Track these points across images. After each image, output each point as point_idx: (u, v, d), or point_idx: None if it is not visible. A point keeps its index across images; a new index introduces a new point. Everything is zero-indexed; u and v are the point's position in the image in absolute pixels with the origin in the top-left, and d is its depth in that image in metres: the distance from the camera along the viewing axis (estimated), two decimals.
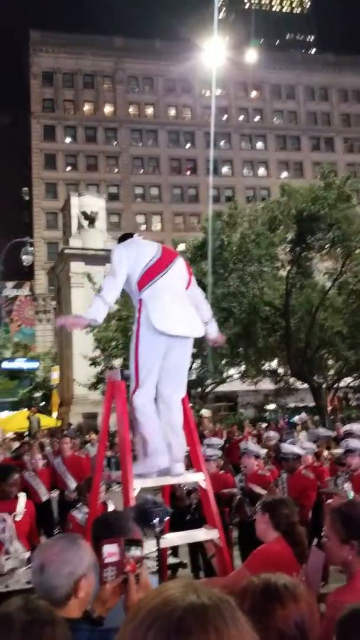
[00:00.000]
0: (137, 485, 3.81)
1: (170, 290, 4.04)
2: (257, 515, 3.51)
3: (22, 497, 5.56)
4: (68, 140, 57.79)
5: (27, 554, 5.10)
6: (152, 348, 3.95)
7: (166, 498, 4.77)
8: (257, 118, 63.01)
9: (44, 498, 9.23)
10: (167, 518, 2.64)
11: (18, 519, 5.31)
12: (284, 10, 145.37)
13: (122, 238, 4.44)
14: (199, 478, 4.13)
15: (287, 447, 7.43)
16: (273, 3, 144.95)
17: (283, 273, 23.32)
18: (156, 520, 2.54)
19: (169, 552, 5.16)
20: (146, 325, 3.91)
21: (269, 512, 3.38)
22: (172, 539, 4.23)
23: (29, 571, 4.79)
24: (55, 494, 9.55)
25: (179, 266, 4.20)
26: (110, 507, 5.91)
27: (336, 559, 2.66)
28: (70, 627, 1.91)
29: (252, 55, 61.60)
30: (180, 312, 4.03)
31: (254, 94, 63.46)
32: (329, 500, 6.07)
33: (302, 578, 2.78)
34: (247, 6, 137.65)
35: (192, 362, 22.60)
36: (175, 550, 6.30)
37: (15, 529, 5.22)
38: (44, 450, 11.84)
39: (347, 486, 6.14)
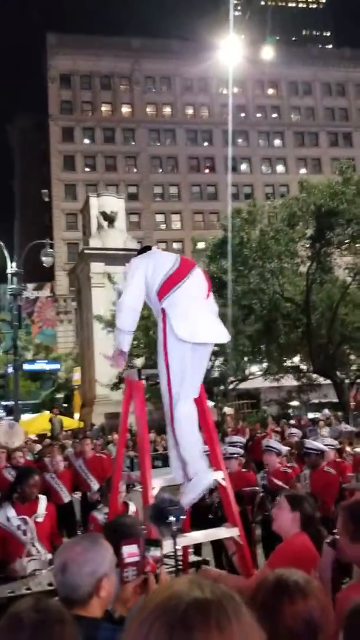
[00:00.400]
0: (156, 485, 3.79)
1: (191, 298, 4.00)
2: (276, 508, 3.47)
3: (43, 499, 5.59)
4: (86, 141, 58.11)
5: (49, 556, 5.12)
6: (181, 357, 3.90)
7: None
8: (274, 115, 62.71)
9: (66, 500, 9.26)
10: (183, 517, 2.62)
11: (39, 520, 5.34)
12: (299, 6, 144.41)
13: (141, 251, 4.43)
14: (219, 476, 4.10)
15: (310, 443, 7.39)
16: None
17: (303, 269, 23.19)
18: (172, 519, 2.53)
19: (191, 550, 5.14)
20: (172, 334, 3.87)
21: (292, 506, 3.36)
22: (193, 537, 4.22)
23: (50, 573, 4.82)
24: (77, 495, 9.58)
25: (198, 275, 4.15)
26: (132, 507, 5.90)
27: (347, 556, 2.68)
28: (93, 626, 1.93)
29: (268, 52, 61.20)
30: (202, 319, 3.99)
31: (270, 91, 63.17)
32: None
33: (316, 575, 2.76)
34: (262, 3, 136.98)
35: (214, 360, 22.58)
36: (198, 548, 6.28)
37: (37, 531, 5.26)
38: (64, 451, 11.90)
39: None
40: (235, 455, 7.33)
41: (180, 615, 0.87)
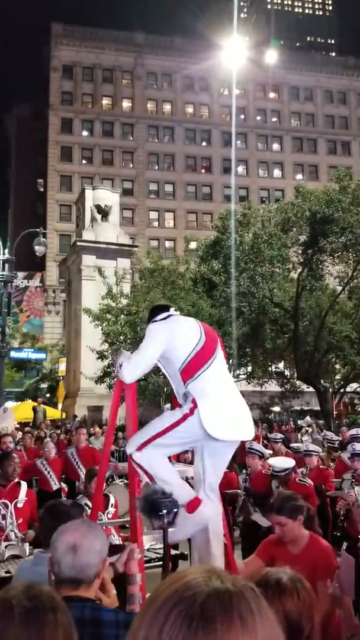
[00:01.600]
0: (143, 478, 3.80)
1: (221, 383, 3.60)
2: (280, 520, 3.54)
3: (24, 485, 5.57)
4: (85, 133, 57.88)
5: (27, 545, 5.12)
6: (191, 438, 3.52)
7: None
8: (274, 119, 62.82)
9: (55, 487, 9.30)
10: (175, 510, 2.62)
11: (19, 506, 5.32)
12: (306, 11, 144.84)
13: (157, 310, 3.89)
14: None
15: (279, 462, 7.30)
16: (295, 4, 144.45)
17: (294, 275, 23.30)
18: (164, 511, 2.52)
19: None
20: (198, 423, 3.39)
21: (300, 514, 3.51)
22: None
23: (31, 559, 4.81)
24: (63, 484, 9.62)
25: (220, 346, 3.75)
26: (112, 499, 5.94)
27: None
28: (93, 607, 1.94)
29: (272, 56, 61.38)
30: (235, 413, 3.58)
31: (272, 94, 63.26)
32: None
33: (335, 584, 2.80)
34: (268, 6, 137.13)
35: None
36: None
37: (16, 517, 5.24)
38: (42, 441, 11.90)
39: (358, 489, 6.13)
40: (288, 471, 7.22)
41: (200, 605, 0.81)
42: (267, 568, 1.97)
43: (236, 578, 0.89)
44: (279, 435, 10.61)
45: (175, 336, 3.54)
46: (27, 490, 5.58)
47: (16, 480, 5.67)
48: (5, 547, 5.04)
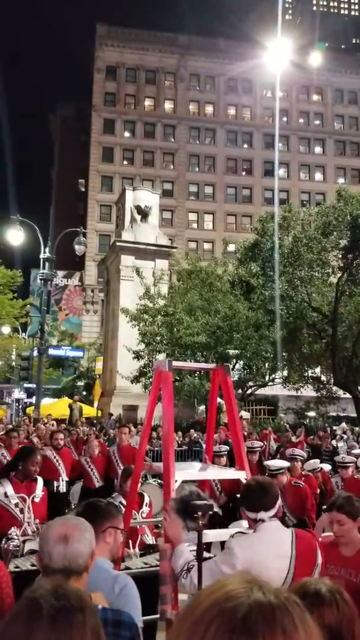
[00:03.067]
0: (178, 477, 3.82)
1: None
2: (341, 518, 3.50)
3: (40, 481, 5.62)
4: (127, 134, 58.34)
5: None
6: None
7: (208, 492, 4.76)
8: (317, 122, 62.18)
9: (97, 484, 9.41)
10: (210, 512, 2.61)
11: (36, 500, 5.36)
12: (352, 13, 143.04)
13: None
14: (242, 476, 4.12)
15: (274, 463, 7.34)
16: (341, 6, 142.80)
17: (333, 279, 23.00)
18: (200, 514, 2.51)
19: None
20: None
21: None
22: (209, 535, 4.24)
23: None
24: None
25: None
26: (146, 499, 5.96)
27: None
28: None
29: (316, 58, 60.77)
30: None
31: (315, 97, 62.63)
32: None
33: None
34: (314, 8, 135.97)
35: (235, 363, 22.55)
36: (208, 546, 6.32)
37: (33, 511, 5.28)
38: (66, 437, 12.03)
39: None
40: (282, 471, 7.11)
41: (242, 618, 0.78)
42: (305, 578, 1.95)
43: (279, 589, 0.85)
44: (257, 444, 9.96)
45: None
46: (42, 486, 5.62)
47: None
48: (23, 541, 5.07)
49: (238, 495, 4.67)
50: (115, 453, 9.77)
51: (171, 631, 0.90)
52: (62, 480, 9.11)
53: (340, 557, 3.39)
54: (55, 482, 8.91)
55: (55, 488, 8.84)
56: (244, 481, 4.11)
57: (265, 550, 2.67)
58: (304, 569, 2.69)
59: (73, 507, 10.02)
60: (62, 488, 9.14)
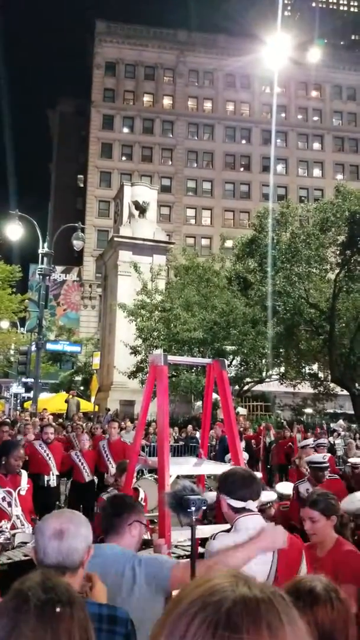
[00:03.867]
0: (172, 472, 3.83)
1: None
2: (313, 515, 3.42)
3: (24, 474, 5.63)
4: (125, 130, 58.22)
5: (31, 529, 5.19)
6: None
7: (202, 487, 4.76)
8: (315, 118, 62.09)
9: (87, 479, 9.41)
10: (204, 507, 2.60)
11: (22, 494, 5.38)
12: (351, 10, 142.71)
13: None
14: None
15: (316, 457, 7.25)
16: (341, 2, 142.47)
17: (331, 276, 22.99)
18: (193, 509, 2.50)
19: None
20: None
21: (334, 514, 3.35)
22: (203, 530, 4.24)
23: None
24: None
25: None
26: (141, 494, 5.97)
27: None
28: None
29: (315, 55, 60.62)
30: None
31: (314, 93, 62.53)
32: None
33: None
34: (313, 4, 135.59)
35: (232, 359, 22.56)
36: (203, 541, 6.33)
37: (20, 504, 5.29)
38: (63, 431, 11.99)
39: None
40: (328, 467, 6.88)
41: (226, 612, 0.76)
42: (300, 575, 1.89)
43: (264, 584, 0.84)
44: (324, 441, 9.91)
45: None
46: (27, 479, 5.63)
47: None
48: (13, 535, 5.10)
49: None
50: (106, 447, 9.76)
51: (156, 623, 0.86)
52: (53, 475, 9.04)
53: (315, 559, 3.27)
54: (45, 477, 8.86)
55: (45, 482, 8.80)
56: None
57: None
58: (286, 574, 2.58)
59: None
60: (53, 482, 9.07)
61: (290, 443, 14.22)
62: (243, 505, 2.78)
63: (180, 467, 3.96)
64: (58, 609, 1.21)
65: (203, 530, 4.03)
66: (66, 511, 2.27)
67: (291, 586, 1.74)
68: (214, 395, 5.18)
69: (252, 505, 2.81)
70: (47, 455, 9.08)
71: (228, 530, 2.84)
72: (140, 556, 2.65)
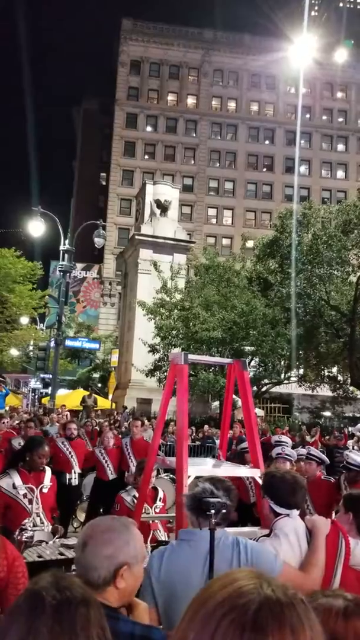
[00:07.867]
0: (191, 473, 3.78)
1: None
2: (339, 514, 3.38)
3: (48, 471, 5.59)
4: (149, 129, 58.28)
5: (50, 527, 5.16)
6: None
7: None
8: (340, 119, 61.54)
9: (111, 477, 9.35)
10: (224, 510, 2.53)
11: (44, 491, 5.33)
12: None
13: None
14: (256, 474, 4.06)
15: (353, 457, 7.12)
16: None
17: (353, 278, 22.74)
18: (212, 512, 2.43)
19: None
20: None
21: (353, 511, 3.23)
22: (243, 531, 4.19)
23: (58, 543, 4.86)
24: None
25: None
26: (160, 493, 5.92)
27: None
28: (109, 615, 1.63)
29: (341, 55, 60.11)
30: None
31: (339, 94, 61.96)
32: None
33: None
34: (340, 4, 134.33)
35: (251, 360, 22.43)
36: None
37: (41, 501, 5.26)
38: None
39: None
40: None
41: (252, 615, 0.81)
42: (326, 592, 1.85)
43: (285, 586, 0.88)
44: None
45: None
46: (51, 476, 5.59)
47: None
48: (32, 531, 5.05)
49: None
50: (128, 446, 9.69)
51: (181, 620, 0.88)
52: (75, 473, 8.96)
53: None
54: (67, 475, 8.78)
55: (67, 480, 8.73)
56: (258, 479, 4.05)
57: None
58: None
59: (85, 498, 10.00)
60: (75, 481, 8.99)
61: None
62: (287, 513, 2.85)
63: (198, 468, 3.91)
64: (74, 608, 1.21)
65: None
66: (110, 521, 2.07)
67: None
68: (233, 396, 5.13)
69: (295, 514, 2.86)
70: (70, 452, 9.01)
71: (268, 535, 2.89)
72: (244, 541, 2.60)
